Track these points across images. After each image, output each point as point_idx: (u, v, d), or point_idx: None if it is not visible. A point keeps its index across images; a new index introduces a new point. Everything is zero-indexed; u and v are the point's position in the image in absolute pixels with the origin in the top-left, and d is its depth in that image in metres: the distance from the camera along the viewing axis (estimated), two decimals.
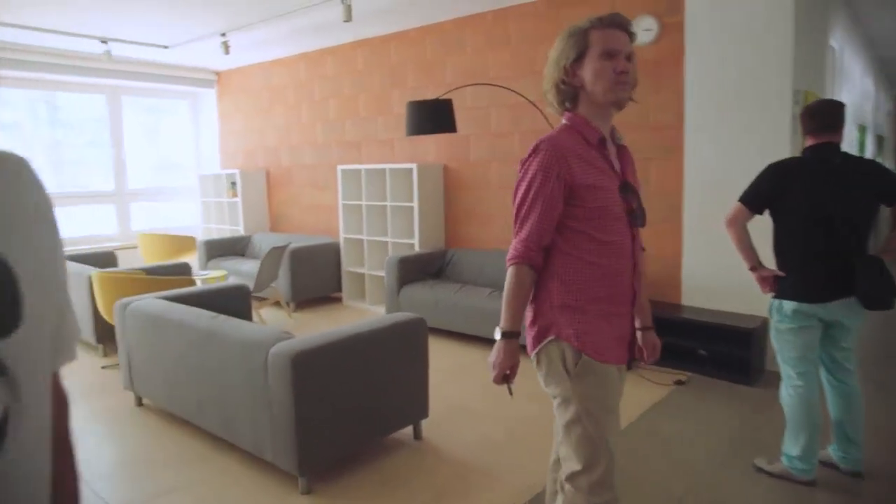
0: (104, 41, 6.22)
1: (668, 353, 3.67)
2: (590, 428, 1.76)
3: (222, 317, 3.17)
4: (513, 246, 1.79)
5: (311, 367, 2.68)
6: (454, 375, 4.35)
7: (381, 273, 6.26)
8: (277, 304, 6.48)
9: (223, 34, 6.03)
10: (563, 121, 1.84)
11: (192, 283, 4.58)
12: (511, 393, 1.93)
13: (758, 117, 4.13)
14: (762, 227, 2.86)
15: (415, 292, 5.40)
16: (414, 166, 5.82)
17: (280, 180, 7.69)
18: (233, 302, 4.08)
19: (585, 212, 1.74)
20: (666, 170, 4.61)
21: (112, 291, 4.23)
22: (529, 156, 1.78)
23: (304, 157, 7.33)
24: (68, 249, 7.27)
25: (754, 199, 2.73)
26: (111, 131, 7.88)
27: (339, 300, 6.82)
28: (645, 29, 4.56)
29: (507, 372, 1.81)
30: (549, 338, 1.79)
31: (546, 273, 1.81)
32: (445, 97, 4.50)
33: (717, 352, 4.16)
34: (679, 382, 4.09)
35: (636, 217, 1.85)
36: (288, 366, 2.62)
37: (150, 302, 3.56)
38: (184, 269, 5.16)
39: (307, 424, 2.68)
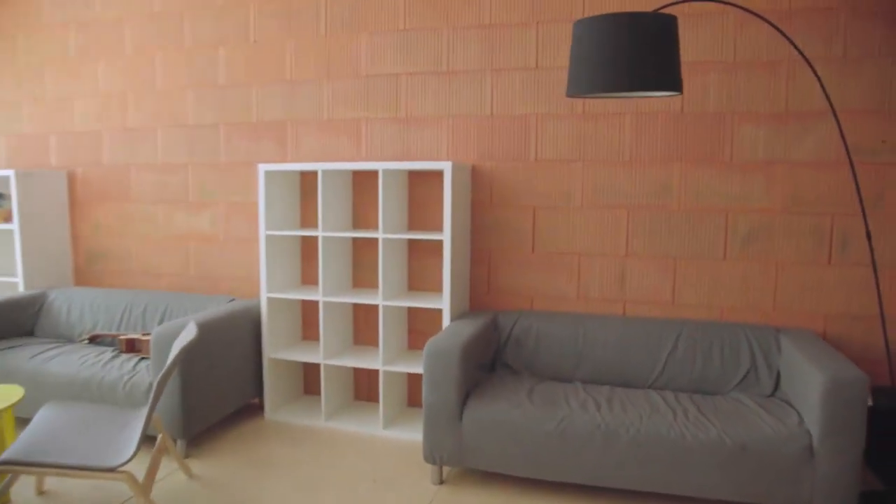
0: None
1: None
2: None
3: None
4: None
5: None
6: None
7: (356, 363, 3.36)
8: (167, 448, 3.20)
9: None
10: None
11: None
12: None
13: None
14: None
15: (494, 413, 2.68)
16: (448, 165, 3.09)
17: (100, 191, 4.22)
18: None
19: None
20: None
21: None
22: None
23: (158, 150, 4.03)
24: None
25: None
26: None
27: (259, 412, 3.69)
28: None
29: None
30: None
31: None
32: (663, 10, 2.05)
33: None
34: None
35: None
36: None
37: None
38: None
39: None
